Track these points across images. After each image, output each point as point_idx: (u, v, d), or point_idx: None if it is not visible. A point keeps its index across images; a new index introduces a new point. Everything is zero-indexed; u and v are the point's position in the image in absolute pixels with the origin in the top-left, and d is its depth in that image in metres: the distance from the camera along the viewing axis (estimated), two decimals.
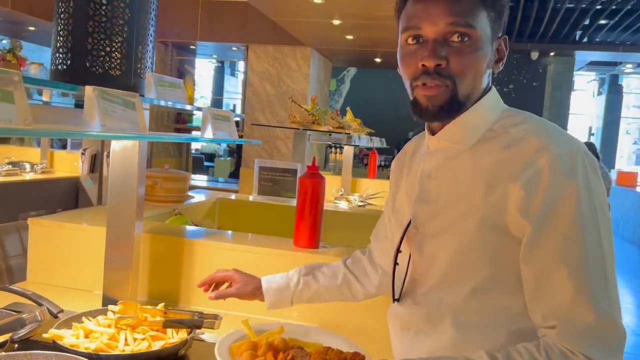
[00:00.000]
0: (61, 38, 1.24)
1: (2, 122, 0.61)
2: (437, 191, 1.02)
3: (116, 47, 1.24)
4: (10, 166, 4.72)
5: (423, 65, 0.94)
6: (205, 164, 10.78)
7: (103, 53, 1.23)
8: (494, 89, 1.03)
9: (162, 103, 1.25)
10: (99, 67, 1.23)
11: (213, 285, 1.40)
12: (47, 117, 0.86)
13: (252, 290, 1.35)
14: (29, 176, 4.80)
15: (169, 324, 1.34)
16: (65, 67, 1.23)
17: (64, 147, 6.17)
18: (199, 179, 7.47)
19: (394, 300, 1.10)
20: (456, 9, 0.93)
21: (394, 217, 1.16)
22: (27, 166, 4.92)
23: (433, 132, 1.04)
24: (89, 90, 0.87)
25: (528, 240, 0.90)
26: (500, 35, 1.00)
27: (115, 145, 1.43)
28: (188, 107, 1.32)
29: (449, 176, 1.00)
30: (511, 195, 0.90)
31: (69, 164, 5.31)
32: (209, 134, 1.25)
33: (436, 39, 0.94)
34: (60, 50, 1.24)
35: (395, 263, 1.10)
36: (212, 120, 1.24)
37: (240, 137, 6.18)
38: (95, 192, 4.79)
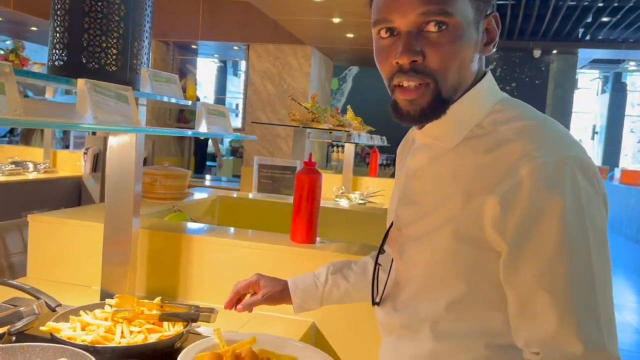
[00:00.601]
0: (58, 34, 1.25)
1: None
2: (421, 192, 0.93)
3: (112, 43, 1.26)
4: (13, 166, 4.75)
5: (397, 62, 0.85)
6: (208, 163, 10.80)
7: (99, 49, 1.24)
8: (488, 74, 0.91)
9: (157, 97, 1.26)
10: (95, 62, 1.25)
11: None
12: (41, 110, 0.87)
13: (279, 293, 1.25)
14: (32, 175, 4.83)
15: (165, 317, 1.35)
16: (62, 63, 1.25)
17: (66, 147, 6.20)
18: (202, 178, 7.49)
19: (374, 303, 1.03)
20: None
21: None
22: (30, 166, 4.95)
23: (421, 126, 0.94)
24: (81, 83, 0.88)
25: (506, 261, 0.81)
26: (489, 12, 0.87)
27: (112, 142, 1.44)
28: (183, 102, 1.33)
29: (433, 177, 0.91)
30: (487, 209, 0.81)
31: (72, 164, 5.34)
32: (203, 128, 1.26)
33: (409, 31, 0.83)
34: (57, 46, 1.25)
35: (377, 264, 1.04)
36: (207, 115, 1.25)
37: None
38: (97, 191, 4.81)
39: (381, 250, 1.03)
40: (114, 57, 1.26)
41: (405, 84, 0.85)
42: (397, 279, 1.00)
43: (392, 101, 0.90)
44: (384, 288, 1.02)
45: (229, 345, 1.19)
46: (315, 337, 1.69)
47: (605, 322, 0.77)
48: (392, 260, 1.01)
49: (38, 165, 5.00)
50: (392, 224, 1.00)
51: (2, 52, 4.51)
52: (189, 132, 1.35)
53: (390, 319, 0.99)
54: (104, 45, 1.24)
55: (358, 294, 1.24)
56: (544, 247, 0.77)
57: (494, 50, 0.90)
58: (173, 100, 1.29)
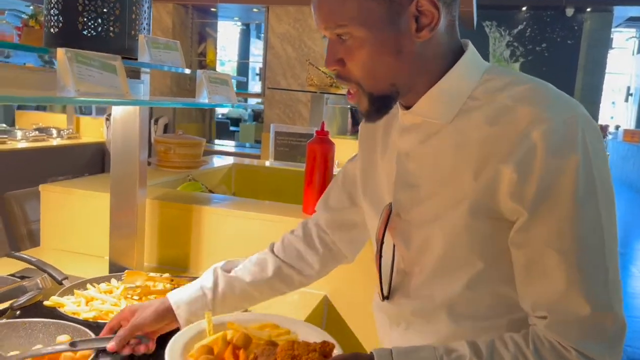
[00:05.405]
0: None
1: None
2: (418, 174, 0.89)
3: (108, 7, 1.19)
4: (37, 132, 4.78)
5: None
6: (231, 128, 10.78)
7: (95, 14, 1.18)
8: (469, 48, 0.86)
9: (156, 67, 1.20)
10: (92, 29, 1.19)
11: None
12: (16, 81, 0.82)
13: (155, 313, 1.05)
14: (56, 142, 4.86)
15: None
16: (57, 29, 1.19)
17: (89, 112, 6.23)
18: (226, 144, 7.48)
19: (383, 298, 0.97)
20: (324, 9, 0.81)
21: (367, 199, 1.02)
22: (54, 132, 4.98)
23: (407, 106, 0.89)
24: (60, 53, 0.83)
25: (521, 225, 0.78)
26: None
27: (115, 111, 1.39)
28: (182, 70, 1.27)
29: (431, 156, 0.87)
30: (503, 179, 0.77)
31: (95, 130, 5.36)
32: (204, 98, 1.20)
33: (330, 39, 0.83)
34: (52, 12, 1.19)
35: (380, 256, 0.96)
36: (208, 84, 1.19)
37: (261, 102, 6.11)
38: None
39: (382, 240, 0.94)
40: (111, 22, 1.20)
41: (343, 87, 0.84)
42: (404, 267, 0.94)
43: None
44: (390, 280, 0.96)
45: (217, 330, 1.07)
46: (327, 310, 1.66)
47: (612, 283, 0.77)
48: (394, 248, 0.95)
49: (62, 132, 5.03)
50: (390, 211, 0.92)
51: (25, 16, 4.48)
52: (190, 103, 1.29)
53: (401, 309, 0.95)
54: (99, 10, 1.18)
55: (259, 293, 1.13)
56: (557, 206, 0.75)
57: (433, 32, 0.81)
58: (172, 69, 1.23)
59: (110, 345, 1.01)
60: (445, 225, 0.84)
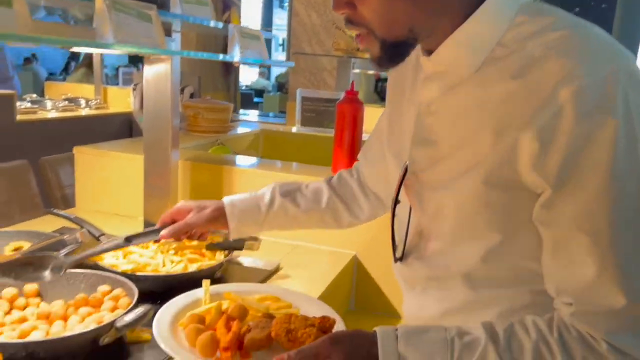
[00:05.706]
0: None
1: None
2: (437, 130, 0.79)
3: None
4: (66, 102, 4.86)
5: None
6: (255, 100, 10.79)
7: None
8: None
9: (187, 19, 1.20)
10: None
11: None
12: (56, 31, 0.82)
13: (210, 215, 1.09)
14: (84, 112, 4.93)
15: (211, 246, 1.36)
16: None
17: (116, 83, 6.29)
18: (250, 114, 7.50)
19: (396, 260, 0.91)
20: None
21: (391, 152, 0.94)
22: (83, 102, 5.04)
23: (429, 52, 0.78)
24: (99, 0, 0.83)
25: (545, 200, 0.69)
26: None
27: (147, 73, 1.40)
28: (212, 24, 1.27)
29: (450, 111, 0.77)
30: (523, 147, 0.67)
31: (122, 100, 5.41)
32: (236, 54, 1.19)
33: None
34: None
35: (394, 215, 0.89)
36: (240, 39, 1.18)
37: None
38: None
39: (397, 200, 0.87)
40: None
41: (352, 32, 0.77)
42: (419, 228, 0.87)
43: None
44: (405, 242, 0.89)
45: (213, 300, 1.05)
46: (357, 269, 1.67)
47: None
48: (410, 209, 0.88)
49: (90, 102, 5.09)
50: (406, 170, 0.84)
51: None
52: (221, 57, 1.29)
53: (415, 272, 0.89)
54: None
55: (308, 221, 1.13)
56: (588, 181, 0.65)
57: None
58: (205, 23, 1.23)
59: (162, 233, 1.07)
60: (458, 192, 0.76)
